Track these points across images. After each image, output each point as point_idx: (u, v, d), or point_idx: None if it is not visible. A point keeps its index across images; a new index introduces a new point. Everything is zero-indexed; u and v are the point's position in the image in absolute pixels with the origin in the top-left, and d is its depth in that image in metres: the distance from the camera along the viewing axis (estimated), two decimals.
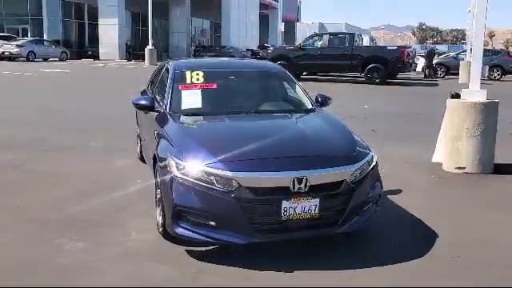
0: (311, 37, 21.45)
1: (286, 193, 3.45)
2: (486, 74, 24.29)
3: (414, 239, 4.12)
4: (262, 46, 47.10)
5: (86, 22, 41.86)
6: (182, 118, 4.38)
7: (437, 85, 20.19)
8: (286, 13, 60.86)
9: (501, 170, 6.20)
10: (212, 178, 3.47)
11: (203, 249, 3.79)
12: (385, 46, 24.86)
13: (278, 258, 3.63)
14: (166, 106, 4.60)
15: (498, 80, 25.20)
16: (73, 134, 8.56)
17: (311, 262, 3.56)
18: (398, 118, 11.30)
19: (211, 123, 4.32)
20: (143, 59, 35.31)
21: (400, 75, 22.91)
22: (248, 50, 43.62)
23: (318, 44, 20.17)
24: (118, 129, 9.19)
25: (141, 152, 6.35)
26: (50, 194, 5.17)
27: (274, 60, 20.10)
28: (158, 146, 4.12)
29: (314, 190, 3.50)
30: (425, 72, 25.86)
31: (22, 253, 3.73)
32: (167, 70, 5.28)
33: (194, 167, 3.52)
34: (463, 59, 25.22)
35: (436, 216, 4.58)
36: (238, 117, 4.48)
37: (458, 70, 25.48)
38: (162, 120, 4.45)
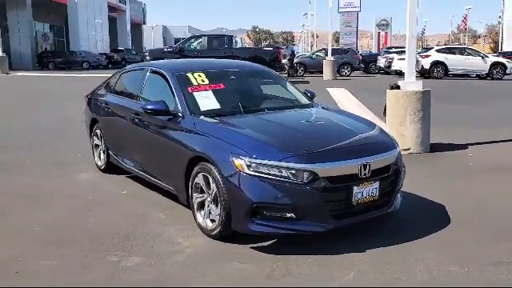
0: (189, 39, 21.48)
1: (354, 179, 3.73)
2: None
3: (428, 210, 4.71)
4: (115, 50, 45.47)
5: None
6: (211, 119, 4.34)
7: (308, 82, 21.77)
8: (132, 16, 59.31)
9: (434, 148, 7.25)
10: (287, 171, 3.58)
11: (264, 244, 3.87)
12: (262, 48, 26.01)
13: (334, 242, 3.86)
14: (183, 109, 4.48)
15: (348, 76, 28.15)
16: None
17: (365, 243, 3.87)
18: None
19: (249, 121, 4.32)
20: None
21: None
22: (101, 54, 41.75)
23: (197, 46, 20.32)
24: (39, 142, 8.35)
25: (107, 162, 5.96)
26: (44, 214, 4.65)
27: None
28: (198, 146, 4.05)
29: (374, 175, 3.84)
30: (288, 71, 27.69)
31: (90, 275, 3.39)
32: (156, 73, 5.12)
33: (268, 163, 3.59)
34: (320, 58, 27.75)
35: (422, 189, 5.22)
36: (263, 114, 4.57)
37: (314, 68, 28.00)
38: (187, 123, 4.34)
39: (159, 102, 4.56)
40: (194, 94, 4.64)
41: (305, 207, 3.60)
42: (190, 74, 4.84)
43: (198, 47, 20.18)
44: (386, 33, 63.99)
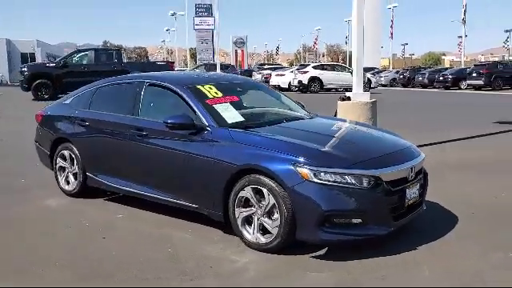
0: (74, 53, 19.95)
1: (406, 181, 3.96)
2: None
3: (429, 208, 5.08)
4: None
5: None
6: (245, 130, 4.24)
7: None
8: None
9: None
10: (352, 178, 3.66)
11: (321, 253, 3.89)
12: (155, 62, 25.17)
13: (382, 243, 4.00)
14: (209, 122, 4.28)
15: None
16: None
17: (410, 242, 4.10)
18: None
19: (284, 131, 4.26)
20: None
21: None
22: None
23: (84, 60, 19.01)
24: None
25: (82, 185, 5.37)
26: (51, 246, 4.08)
27: (32, 79, 18.08)
28: (244, 159, 3.93)
29: (415, 177, 4.12)
30: None
31: None
32: (158, 86, 4.83)
33: (336, 171, 3.64)
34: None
35: None
36: (287, 123, 4.59)
37: None
38: (219, 136, 4.17)
39: (182, 115, 4.30)
40: (215, 106, 4.49)
41: (371, 212, 3.72)
42: (200, 87, 4.67)
43: (85, 61, 18.93)
44: (242, 50, 66.41)
